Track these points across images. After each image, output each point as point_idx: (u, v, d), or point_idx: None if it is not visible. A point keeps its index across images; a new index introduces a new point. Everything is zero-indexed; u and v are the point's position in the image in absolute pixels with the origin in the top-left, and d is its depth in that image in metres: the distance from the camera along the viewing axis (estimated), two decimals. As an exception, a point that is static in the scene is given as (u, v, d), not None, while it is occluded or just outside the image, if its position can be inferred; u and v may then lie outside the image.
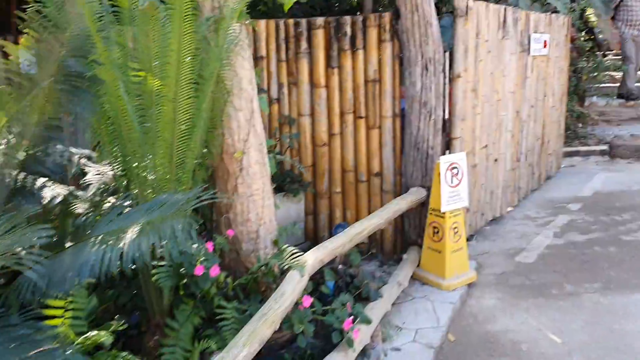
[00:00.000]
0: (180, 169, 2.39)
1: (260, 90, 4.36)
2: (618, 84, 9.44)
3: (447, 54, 3.97)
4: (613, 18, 8.24)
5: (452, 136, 4.04)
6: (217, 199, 2.64)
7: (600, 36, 7.95)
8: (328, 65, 4.13)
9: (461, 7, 3.91)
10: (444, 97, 3.98)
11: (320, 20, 4.10)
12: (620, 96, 8.61)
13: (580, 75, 7.46)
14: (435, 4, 7.77)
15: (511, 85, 4.91)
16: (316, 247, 2.69)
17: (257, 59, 4.36)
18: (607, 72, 7.90)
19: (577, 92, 7.43)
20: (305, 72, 4.20)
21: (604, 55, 8.03)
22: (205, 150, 2.65)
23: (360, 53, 4.01)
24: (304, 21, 4.17)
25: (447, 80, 4.00)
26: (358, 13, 8.94)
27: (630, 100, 8.40)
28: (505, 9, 4.64)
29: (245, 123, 2.68)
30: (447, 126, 4.05)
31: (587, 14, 7.89)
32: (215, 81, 2.45)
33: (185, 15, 2.10)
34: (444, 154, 4.03)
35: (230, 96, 2.60)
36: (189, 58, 2.18)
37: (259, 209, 2.78)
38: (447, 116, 4.06)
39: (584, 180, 6.19)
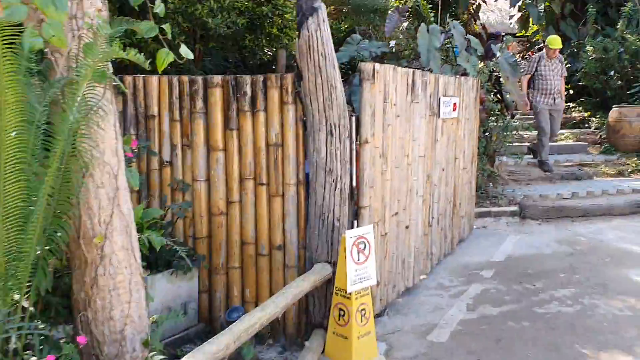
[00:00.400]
0: (13, 265, 1.91)
1: (150, 152, 3.94)
2: (527, 143, 9.73)
3: (354, 118, 3.73)
4: (528, 86, 8.31)
5: (361, 205, 3.76)
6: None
7: (508, 97, 8.14)
8: (226, 126, 3.77)
9: (367, 71, 3.70)
10: (351, 163, 3.72)
11: (217, 79, 3.76)
12: (531, 151, 8.78)
13: (490, 136, 7.54)
14: (347, 64, 7.73)
15: (421, 149, 4.76)
16: (194, 351, 2.24)
17: (148, 117, 3.95)
18: (515, 132, 8.03)
19: (487, 152, 7.49)
20: (201, 134, 3.82)
21: (512, 116, 8.21)
22: (58, 234, 2.18)
23: (261, 115, 3.69)
24: (200, 79, 3.81)
25: (354, 145, 3.74)
26: (273, 67, 8.76)
27: (544, 171, 8.54)
28: (413, 72, 4.51)
29: (108, 202, 2.24)
30: (354, 194, 3.76)
31: (495, 75, 8.06)
32: (66, 154, 2.01)
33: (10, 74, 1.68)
34: (352, 224, 3.73)
35: (89, 170, 2.16)
36: (15, 133, 1.74)
37: (125, 305, 2.31)
38: (354, 184, 3.78)
39: (496, 243, 6.11)
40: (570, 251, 5.77)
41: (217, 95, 3.75)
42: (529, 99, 8.35)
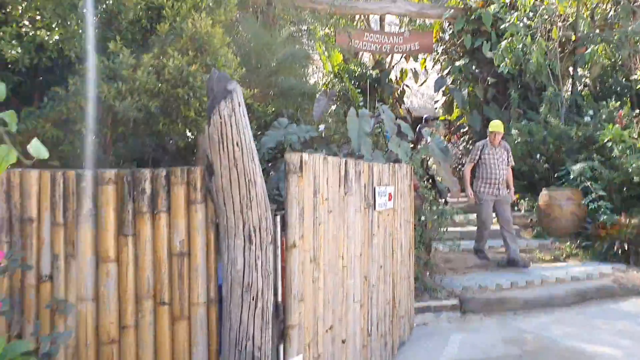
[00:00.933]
0: None
1: (23, 266, 3.13)
2: (460, 228, 9.46)
3: (279, 217, 3.12)
4: (472, 175, 7.94)
5: (288, 324, 3.08)
6: None
7: (440, 182, 7.86)
8: (120, 232, 3.05)
9: (294, 162, 3.15)
10: (275, 274, 3.06)
11: (110, 174, 3.07)
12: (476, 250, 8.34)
13: (425, 223, 7.14)
14: (274, 149, 7.23)
15: (358, 247, 4.19)
16: None
17: (24, 221, 3.17)
18: (450, 218, 7.69)
19: (423, 240, 7.05)
20: (89, 241, 3.07)
21: (446, 202, 7.90)
22: None
23: (163, 217, 3.01)
24: (89, 174, 3.11)
25: (279, 251, 3.11)
26: (194, 151, 8.14)
27: (480, 259, 8.19)
28: (346, 162, 4.02)
29: None
30: (280, 312, 3.09)
31: (427, 161, 7.79)
32: None
33: None
34: (277, 352, 3.03)
35: None
36: None
37: None
38: (280, 298, 3.11)
39: (439, 345, 5.51)
40: (519, 353, 5.25)
41: (109, 193, 3.05)
42: (472, 189, 7.92)
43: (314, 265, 3.37)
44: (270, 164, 7.23)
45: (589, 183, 9.06)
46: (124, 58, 5.04)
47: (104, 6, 5.06)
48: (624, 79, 12.07)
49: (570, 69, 12.41)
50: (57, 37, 4.90)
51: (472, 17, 12.47)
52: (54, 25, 4.93)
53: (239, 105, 2.84)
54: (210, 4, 5.61)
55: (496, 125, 7.81)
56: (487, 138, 7.95)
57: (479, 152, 7.89)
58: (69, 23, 4.97)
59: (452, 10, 12.82)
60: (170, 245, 3.00)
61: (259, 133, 8.06)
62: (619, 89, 11.95)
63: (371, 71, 15.36)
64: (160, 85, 5.56)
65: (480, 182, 7.84)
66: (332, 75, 13.85)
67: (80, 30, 5.08)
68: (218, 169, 2.82)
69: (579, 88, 12.29)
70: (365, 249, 4.36)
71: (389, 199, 5.04)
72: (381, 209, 4.79)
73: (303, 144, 7.42)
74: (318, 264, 3.44)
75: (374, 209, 4.59)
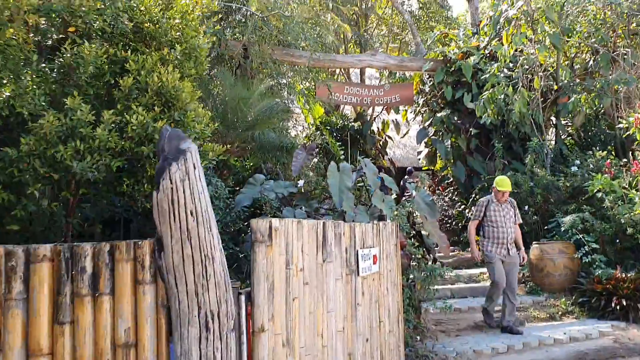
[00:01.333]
0: None
1: None
2: (450, 285, 9.01)
3: (244, 297, 2.67)
4: (478, 234, 7.34)
5: None
6: None
7: (428, 238, 7.44)
8: (55, 319, 2.57)
9: (261, 230, 2.73)
10: (240, 365, 2.59)
11: (45, 249, 2.61)
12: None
13: (414, 284, 6.68)
14: (250, 207, 6.80)
15: (339, 322, 3.72)
16: None
17: (-58, 305, 2.68)
18: (439, 276, 7.23)
19: (411, 303, 6.57)
20: (18, 330, 2.57)
21: (434, 260, 7.46)
22: None
23: (106, 301, 2.54)
24: (19, 250, 2.65)
25: (244, 338, 2.64)
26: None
27: (485, 322, 7.60)
28: (324, 224, 3.60)
29: None
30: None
31: (413, 216, 7.39)
32: None
33: None
34: None
35: None
36: None
37: None
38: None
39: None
40: None
41: (43, 272, 2.58)
42: (479, 248, 7.27)
43: (287, 350, 2.90)
44: (246, 223, 6.79)
45: (581, 235, 8.72)
46: (83, 115, 4.65)
47: (61, 60, 4.71)
48: (607, 128, 11.97)
49: (553, 118, 12.30)
50: (8, 93, 4.52)
51: (452, 68, 12.40)
52: (5, 81, 4.56)
53: (194, 168, 2.43)
54: (179, 57, 5.29)
55: (504, 184, 7.12)
56: (492, 194, 7.32)
57: (483, 209, 7.25)
58: (21, 78, 4.60)
59: (432, 63, 12.76)
60: (114, 334, 2.52)
61: (237, 189, 7.65)
62: (602, 137, 11.83)
63: (353, 123, 15.19)
64: (123, 143, 5.15)
65: (487, 241, 7.17)
66: (313, 128, 13.62)
67: (35, 86, 4.71)
68: (168, 243, 2.39)
69: (563, 137, 12.15)
70: (349, 322, 3.89)
71: (374, 262, 4.61)
72: (366, 274, 4.36)
73: (281, 201, 7.01)
74: (293, 348, 2.96)
75: (357, 275, 4.15)
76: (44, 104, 4.61)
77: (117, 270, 2.52)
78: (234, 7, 9.93)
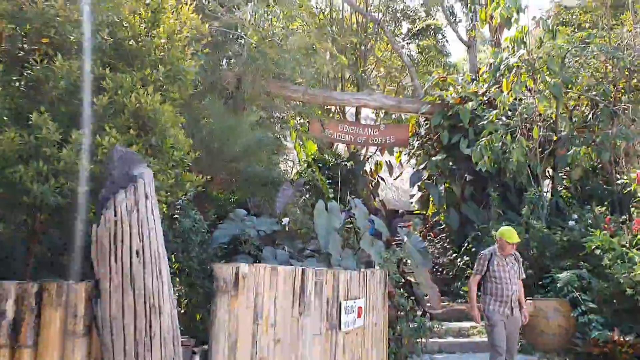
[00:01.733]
0: None
1: None
2: (438, 338, 8.49)
3: (198, 357, 2.22)
4: (478, 291, 6.51)
5: None
6: None
7: (419, 290, 6.96)
8: (-37, 373, 2.10)
9: (225, 278, 2.30)
10: None
11: (-40, 286, 2.16)
12: None
13: (401, 337, 6.19)
14: (229, 244, 6.35)
15: (314, 384, 3.25)
16: None
17: None
18: (429, 330, 6.74)
19: (397, 358, 6.07)
20: None
21: (424, 313, 6.98)
22: None
23: (27, 356, 2.08)
24: None
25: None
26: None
27: None
28: (303, 272, 3.17)
29: None
30: None
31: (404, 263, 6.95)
32: None
33: None
34: None
35: None
36: None
37: None
38: None
39: None
40: None
41: (-45, 314, 2.12)
42: (478, 307, 6.50)
43: (249, 422, 2.43)
44: (224, 262, 6.34)
45: (577, 294, 8.29)
46: (49, 133, 4.22)
47: (30, 72, 4.33)
48: (603, 183, 11.69)
49: (549, 169, 12.03)
50: (-35, 107, 4.12)
51: (450, 113, 12.18)
52: (-38, 94, 4.17)
53: (147, 198, 2.01)
54: (162, 78, 4.93)
55: (514, 236, 6.44)
56: (495, 246, 6.63)
57: (486, 263, 6.48)
58: (-18, 92, 4.22)
59: (429, 106, 12.55)
60: (32, 397, 2.05)
61: (219, 223, 7.21)
62: (599, 192, 11.53)
63: (346, 162, 14.87)
64: (92, 167, 4.71)
65: (489, 299, 6.37)
66: (305, 165, 13.27)
67: (-4, 100, 4.30)
68: (107, 289, 1.94)
69: (559, 189, 11.85)
70: (325, 384, 3.42)
71: (359, 315, 4.16)
72: (348, 329, 3.90)
73: (263, 239, 6.57)
74: (255, 419, 2.49)
75: (339, 330, 3.70)
76: (5, 118, 4.20)
77: (43, 317, 2.07)
78: (230, 37, 9.68)
